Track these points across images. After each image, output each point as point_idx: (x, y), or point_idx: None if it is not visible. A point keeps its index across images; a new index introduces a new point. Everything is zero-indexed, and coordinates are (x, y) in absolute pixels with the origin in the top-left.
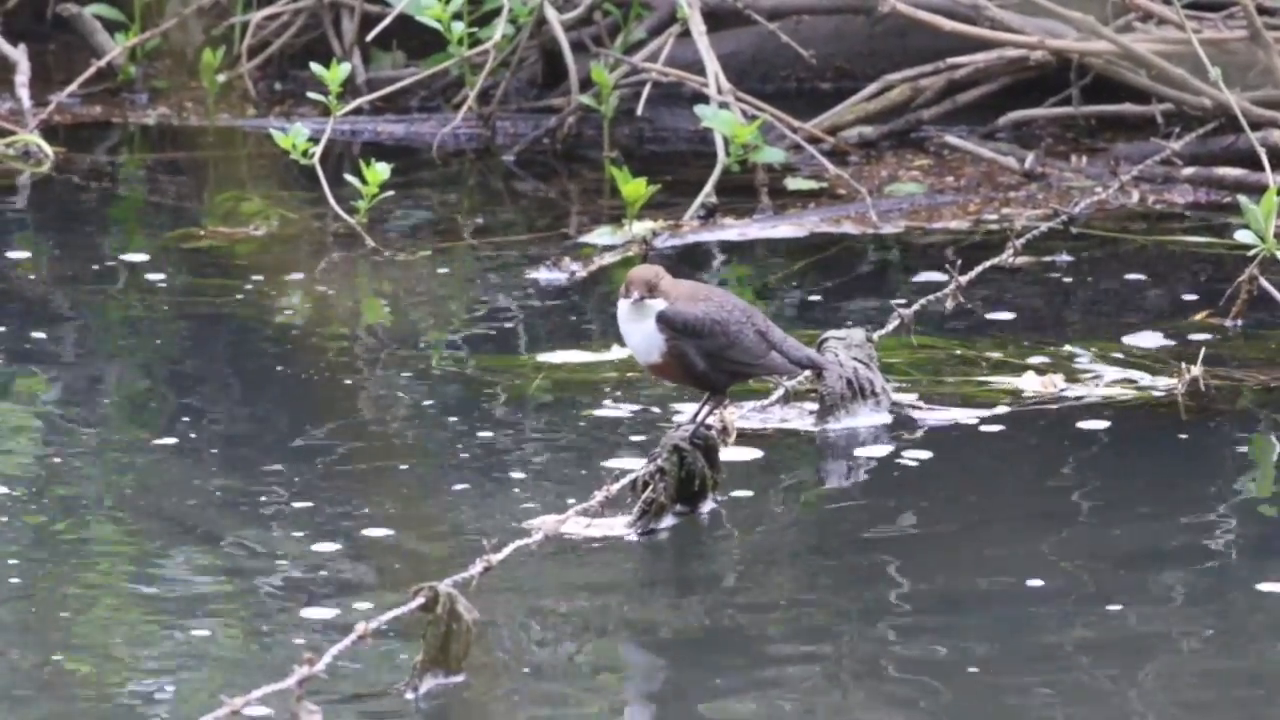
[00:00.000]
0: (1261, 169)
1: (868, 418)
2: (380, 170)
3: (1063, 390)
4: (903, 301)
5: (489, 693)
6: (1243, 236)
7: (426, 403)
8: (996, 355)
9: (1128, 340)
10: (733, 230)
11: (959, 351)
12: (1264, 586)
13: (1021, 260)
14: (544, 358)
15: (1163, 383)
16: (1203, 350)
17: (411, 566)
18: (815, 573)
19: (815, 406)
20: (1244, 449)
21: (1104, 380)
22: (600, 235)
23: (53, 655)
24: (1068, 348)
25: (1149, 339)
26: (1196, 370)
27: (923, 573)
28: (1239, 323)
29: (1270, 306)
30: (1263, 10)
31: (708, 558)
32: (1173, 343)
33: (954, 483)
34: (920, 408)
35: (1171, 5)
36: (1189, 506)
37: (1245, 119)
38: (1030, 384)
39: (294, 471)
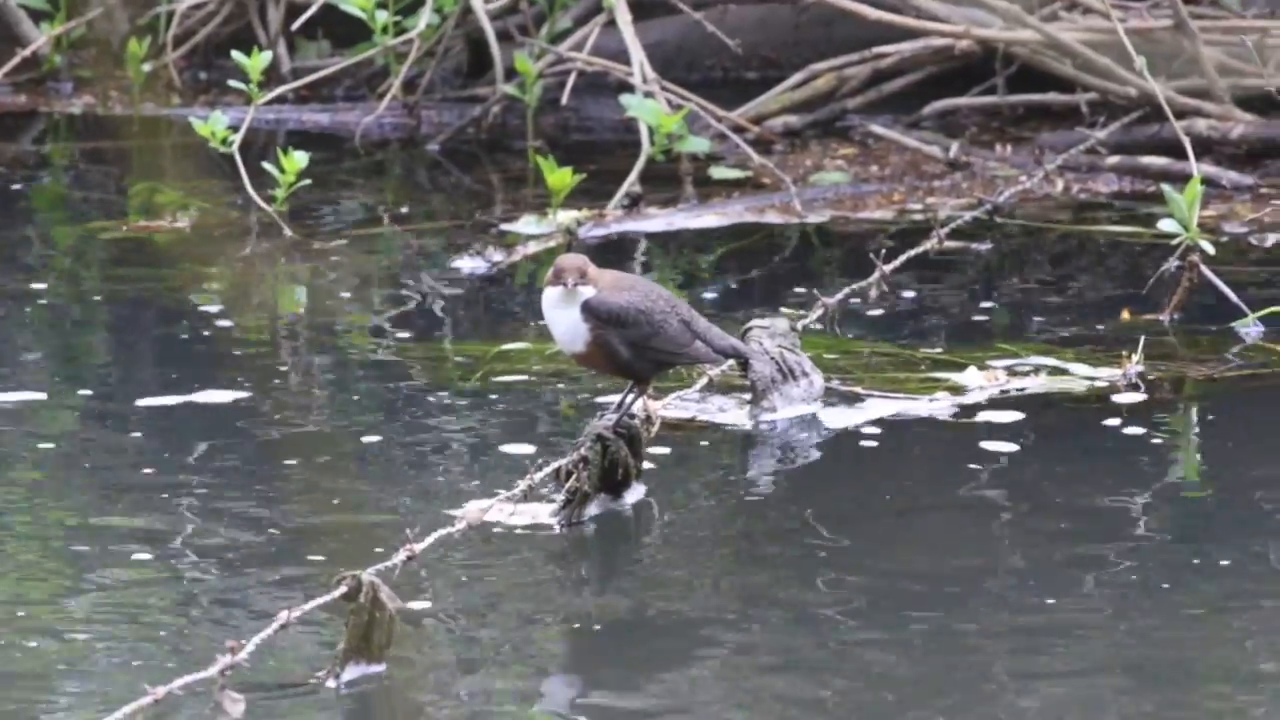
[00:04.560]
0: (1186, 158)
1: (800, 407)
2: (298, 159)
3: (1006, 383)
4: (827, 292)
5: (411, 681)
6: (1166, 225)
7: (348, 391)
8: (928, 351)
9: (1058, 331)
10: (657, 219)
11: (889, 349)
12: (1200, 574)
13: (947, 245)
14: (467, 346)
15: (1104, 374)
16: (1142, 340)
17: (334, 555)
18: (740, 561)
19: (748, 395)
20: (1185, 440)
21: (1043, 373)
22: (525, 224)
23: None
24: (1000, 342)
25: (1080, 330)
26: (1137, 362)
27: (850, 560)
28: (1176, 316)
29: (1202, 298)
30: None
31: (631, 547)
32: (1107, 335)
33: (887, 472)
34: (858, 392)
35: None
36: (1127, 497)
37: (1170, 108)
38: (973, 378)
39: (216, 460)
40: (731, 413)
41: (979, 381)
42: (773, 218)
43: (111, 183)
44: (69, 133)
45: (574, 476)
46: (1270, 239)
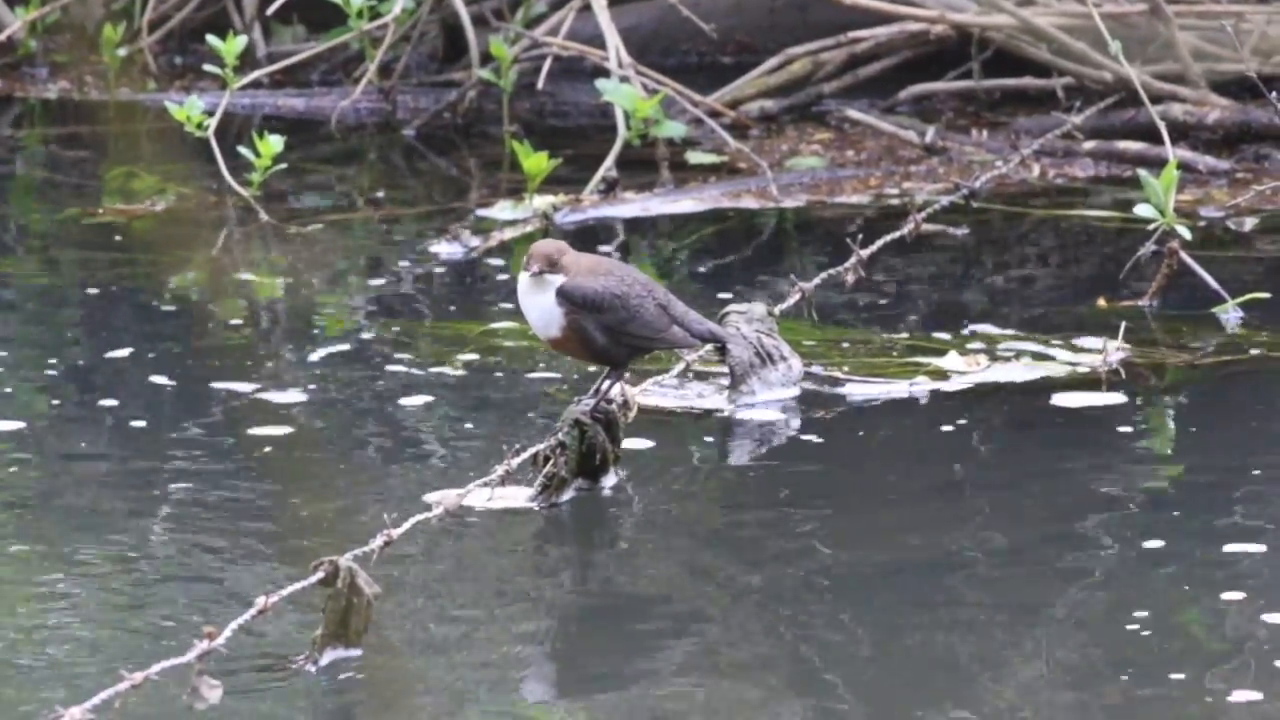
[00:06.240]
0: (1162, 142)
1: (778, 392)
2: (273, 143)
3: (986, 368)
4: (804, 277)
5: (388, 666)
6: (1143, 210)
7: (325, 375)
8: (904, 336)
9: (1037, 316)
10: (634, 204)
11: (868, 334)
12: (1177, 558)
13: (924, 230)
14: (443, 330)
15: (1085, 359)
16: (1123, 326)
17: (312, 540)
18: (717, 545)
19: (726, 380)
20: (1164, 426)
21: (1024, 358)
22: (501, 209)
23: None
24: (979, 327)
25: (1059, 315)
26: (1119, 347)
27: (828, 544)
28: (1155, 302)
29: (1181, 284)
30: None
31: (608, 532)
32: (1086, 319)
33: (866, 457)
34: (837, 378)
35: None
36: (1107, 482)
37: (1146, 92)
38: (954, 363)
39: (193, 445)
40: (710, 398)
41: (960, 366)
42: (749, 203)
43: (87, 168)
44: (44, 118)
45: (551, 462)
46: (1247, 224)
